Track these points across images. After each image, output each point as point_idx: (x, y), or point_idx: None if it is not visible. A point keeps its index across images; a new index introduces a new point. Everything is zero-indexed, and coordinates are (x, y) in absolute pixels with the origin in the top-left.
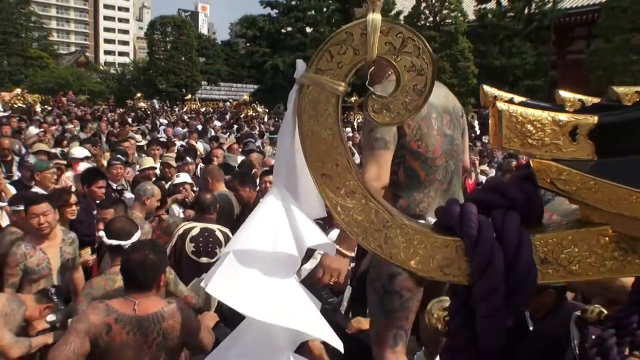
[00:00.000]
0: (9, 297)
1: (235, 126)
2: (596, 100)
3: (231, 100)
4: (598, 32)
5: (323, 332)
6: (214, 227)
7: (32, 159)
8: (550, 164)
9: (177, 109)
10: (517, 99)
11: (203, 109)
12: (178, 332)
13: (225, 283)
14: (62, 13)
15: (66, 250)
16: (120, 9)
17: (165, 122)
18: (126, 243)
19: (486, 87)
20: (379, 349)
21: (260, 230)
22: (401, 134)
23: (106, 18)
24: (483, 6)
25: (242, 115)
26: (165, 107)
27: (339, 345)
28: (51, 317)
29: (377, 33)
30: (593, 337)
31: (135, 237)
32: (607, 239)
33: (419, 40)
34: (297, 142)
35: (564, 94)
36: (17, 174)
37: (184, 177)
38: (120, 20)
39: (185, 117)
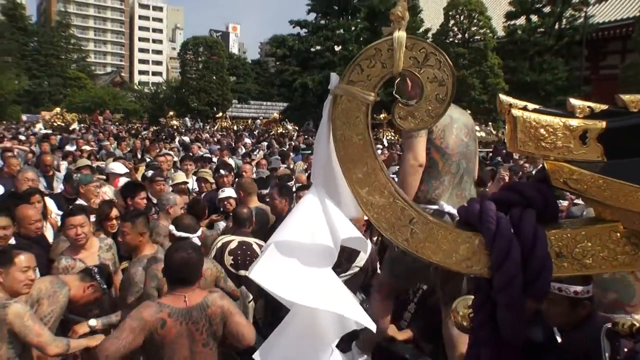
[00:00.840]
0: (52, 278)
1: (265, 143)
2: (604, 107)
3: (261, 118)
4: (633, 46)
5: (360, 316)
6: (252, 240)
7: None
8: (563, 165)
9: (208, 127)
10: (531, 106)
11: (234, 127)
12: (219, 317)
13: (268, 271)
14: (99, 35)
15: (104, 257)
16: (154, 30)
17: (187, 139)
18: (193, 236)
19: (502, 96)
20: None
21: (299, 224)
22: (429, 130)
23: (141, 39)
24: (512, 22)
25: (272, 133)
26: (197, 125)
27: (373, 327)
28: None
29: (403, 49)
30: (625, 350)
31: (199, 233)
32: (618, 234)
33: (440, 55)
34: (332, 146)
35: (574, 101)
36: (58, 188)
37: (229, 192)
38: (154, 41)
39: (218, 135)
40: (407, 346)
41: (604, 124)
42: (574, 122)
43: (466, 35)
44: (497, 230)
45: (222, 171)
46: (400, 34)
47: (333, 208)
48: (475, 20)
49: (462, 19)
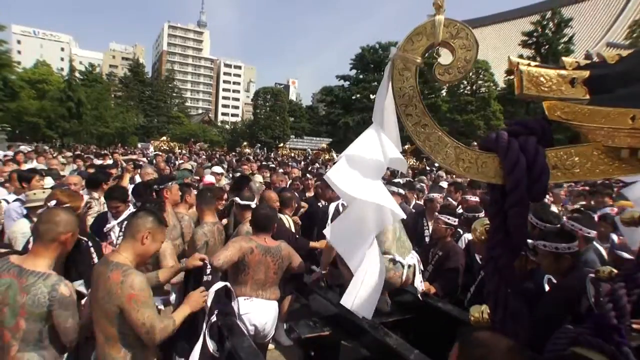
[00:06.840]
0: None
1: (316, 165)
2: (588, 61)
3: (312, 149)
4: None
5: (396, 210)
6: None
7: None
8: (557, 102)
9: (272, 154)
10: (533, 63)
11: (292, 155)
12: (287, 259)
13: (339, 173)
14: (194, 86)
15: None
16: (234, 83)
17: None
18: (252, 203)
19: (511, 57)
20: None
21: (362, 144)
22: None
23: (224, 90)
24: (511, 77)
25: (320, 159)
26: (264, 153)
27: (403, 216)
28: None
29: (442, 26)
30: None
31: (254, 204)
32: (599, 151)
33: (468, 30)
34: (389, 95)
35: (565, 59)
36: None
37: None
38: (233, 91)
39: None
40: None
41: (587, 72)
42: (564, 72)
43: (474, 87)
44: (509, 147)
45: (308, 175)
46: (440, 17)
47: (385, 138)
48: (481, 76)
49: (470, 74)
